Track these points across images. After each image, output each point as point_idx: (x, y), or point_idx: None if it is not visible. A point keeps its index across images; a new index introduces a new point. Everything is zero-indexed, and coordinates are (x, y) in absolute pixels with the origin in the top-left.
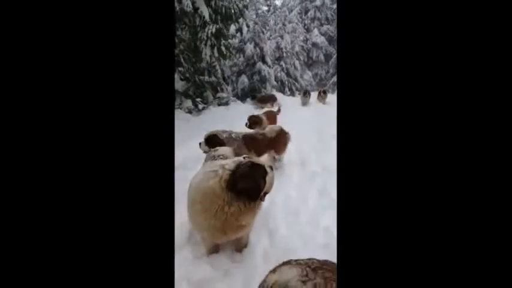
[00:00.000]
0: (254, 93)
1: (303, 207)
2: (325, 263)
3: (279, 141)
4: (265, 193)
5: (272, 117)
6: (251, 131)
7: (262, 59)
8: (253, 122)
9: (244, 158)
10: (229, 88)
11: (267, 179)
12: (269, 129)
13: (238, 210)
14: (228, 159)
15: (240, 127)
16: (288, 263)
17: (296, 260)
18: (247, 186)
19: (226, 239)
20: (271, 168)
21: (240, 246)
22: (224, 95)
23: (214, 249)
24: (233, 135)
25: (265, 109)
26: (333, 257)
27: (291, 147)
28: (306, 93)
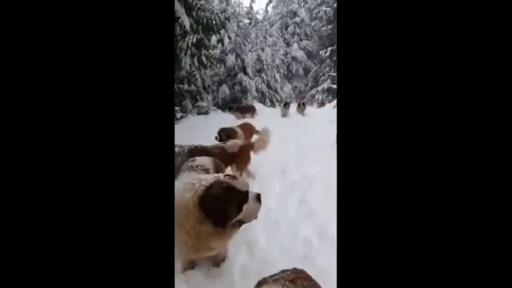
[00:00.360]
0: (232, 104)
1: (283, 218)
2: (297, 271)
3: (241, 157)
4: (241, 222)
5: (248, 130)
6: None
7: (244, 70)
8: (226, 134)
9: (225, 176)
10: (210, 97)
11: (245, 207)
12: (231, 143)
13: (209, 230)
14: (209, 174)
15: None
16: (265, 282)
17: (271, 277)
18: (214, 209)
19: (200, 255)
20: (257, 197)
21: (217, 261)
22: (204, 104)
23: (190, 265)
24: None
25: (245, 120)
26: (312, 268)
27: (272, 157)
28: (286, 105)
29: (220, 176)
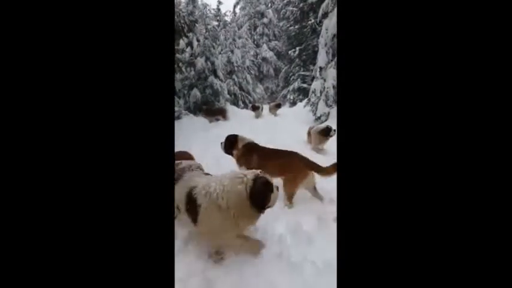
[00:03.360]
0: (202, 106)
1: None
2: None
3: None
4: (268, 207)
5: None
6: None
7: (214, 73)
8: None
9: (260, 172)
10: (181, 101)
11: (272, 196)
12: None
13: (254, 213)
14: (245, 170)
15: (191, 140)
16: None
17: None
18: (258, 198)
19: (244, 232)
20: (277, 188)
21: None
22: (175, 108)
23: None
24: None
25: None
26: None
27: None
28: (254, 108)
29: (257, 172)
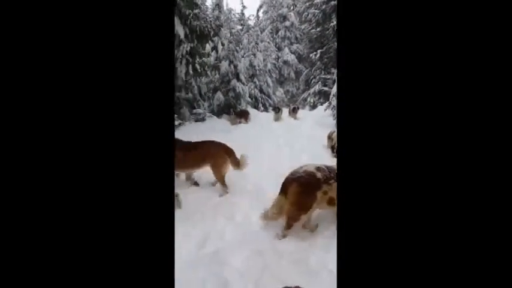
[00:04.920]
0: (229, 110)
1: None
2: None
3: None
4: None
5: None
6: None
7: (237, 77)
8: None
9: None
10: (206, 104)
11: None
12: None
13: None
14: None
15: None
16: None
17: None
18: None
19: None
20: None
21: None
22: (200, 111)
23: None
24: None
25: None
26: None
27: (265, 160)
28: (276, 110)
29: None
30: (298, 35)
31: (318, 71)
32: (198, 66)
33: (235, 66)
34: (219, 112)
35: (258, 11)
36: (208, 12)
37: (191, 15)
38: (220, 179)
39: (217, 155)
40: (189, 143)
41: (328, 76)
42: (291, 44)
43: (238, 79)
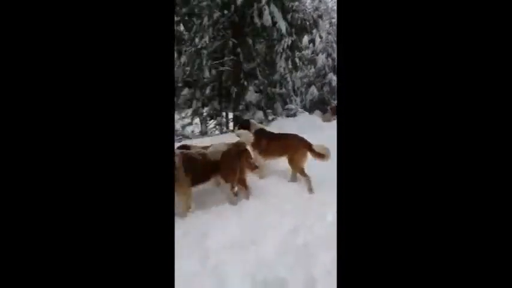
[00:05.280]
0: (325, 106)
1: None
2: None
3: (225, 165)
4: None
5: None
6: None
7: (334, 70)
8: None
9: None
10: (298, 99)
11: None
12: (213, 149)
13: None
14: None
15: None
16: None
17: None
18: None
19: None
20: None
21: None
22: (292, 106)
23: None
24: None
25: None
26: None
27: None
28: None
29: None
30: None
31: None
32: (297, 60)
33: (333, 59)
34: (311, 108)
35: None
36: (307, 3)
37: (292, 7)
38: (300, 171)
39: (296, 148)
40: (273, 133)
41: None
42: None
43: (335, 72)
